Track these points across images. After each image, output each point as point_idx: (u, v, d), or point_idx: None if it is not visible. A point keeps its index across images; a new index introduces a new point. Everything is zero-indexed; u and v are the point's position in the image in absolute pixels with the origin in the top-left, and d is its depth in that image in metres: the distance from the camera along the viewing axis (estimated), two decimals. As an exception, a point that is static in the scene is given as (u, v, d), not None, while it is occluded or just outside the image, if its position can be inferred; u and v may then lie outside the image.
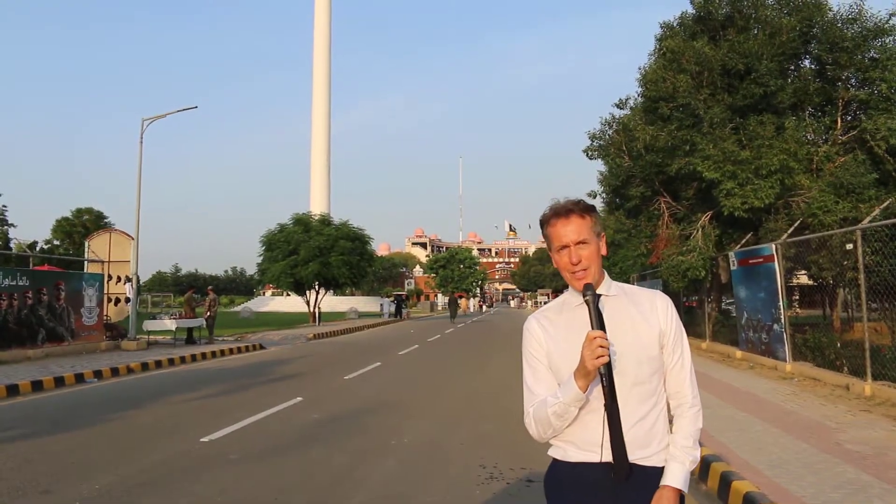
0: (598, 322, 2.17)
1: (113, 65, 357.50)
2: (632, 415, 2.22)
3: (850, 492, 5.43)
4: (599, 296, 2.29)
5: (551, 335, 2.35)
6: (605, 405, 2.17)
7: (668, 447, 2.29)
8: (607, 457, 2.20)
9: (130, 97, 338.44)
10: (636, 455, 2.22)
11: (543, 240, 2.42)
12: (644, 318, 2.31)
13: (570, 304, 2.35)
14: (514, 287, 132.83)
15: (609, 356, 2.09)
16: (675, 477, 2.24)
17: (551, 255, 2.37)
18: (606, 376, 2.12)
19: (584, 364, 2.10)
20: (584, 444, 2.26)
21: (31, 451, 7.68)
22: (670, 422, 2.36)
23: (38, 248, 55.41)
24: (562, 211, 2.30)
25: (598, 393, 2.18)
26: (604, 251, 2.34)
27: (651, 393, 2.28)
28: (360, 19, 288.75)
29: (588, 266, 2.26)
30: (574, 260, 2.26)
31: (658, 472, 2.26)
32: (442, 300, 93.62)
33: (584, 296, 2.21)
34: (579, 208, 2.30)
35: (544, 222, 2.35)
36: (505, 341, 25.63)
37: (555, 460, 2.36)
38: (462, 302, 67.71)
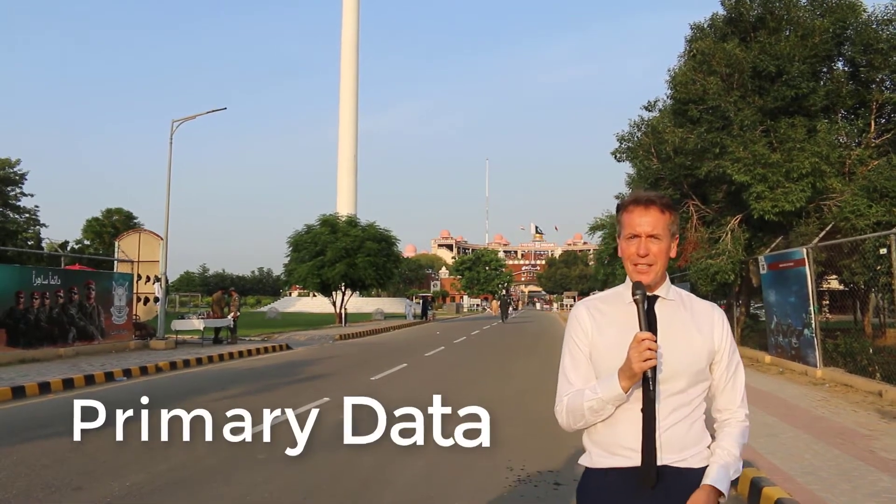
0: (648, 324, 2.12)
1: (142, 67, 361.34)
2: (666, 420, 2.19)
3: (885, 500, 5.34)
4: (656, 297, 2.23)
5: (599, 326, 2.28)
6: (642, 409, 2.14)
7: (708, 452, 2.25)
8: (638, 460, 2.17)
9: (159, 99, 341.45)
10: (669, 459, 2.18)
11: (618, 224, 2.33)
12: (699, 329, 2.26)
13: (624, 297, 2.28)
14: (539, 289, 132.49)
15: (657, 360, 2.04)
16: (719, 479, 2.18)
17: (619, 241, 2.29)
18: (652, 380, 2.07)
19: (630, 365, 2.05)
20: (614, 448, 2.22)
21: (62, 448, 7.77)
22: (711, 434, 2.31)
23: (69, 248, 56.23)
24: (643, 199, 2.23)
25: (636, 395, 2.14)
26: (673, 253, 2.26)
27: (688, 402, 2.23)
28: (388, 24, 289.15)
29: (654, 262, 2.19)
30: (642, 252, 2.19)
31: (693, 472, 2.21)
32: (468, 302, 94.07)
33: (633, 294, 2.16)
34: (661, 202, 2.23)
35: (622, 207, 2.28)
36: (531, 344, 25.55)
37: (587, 469, 2.33)
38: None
